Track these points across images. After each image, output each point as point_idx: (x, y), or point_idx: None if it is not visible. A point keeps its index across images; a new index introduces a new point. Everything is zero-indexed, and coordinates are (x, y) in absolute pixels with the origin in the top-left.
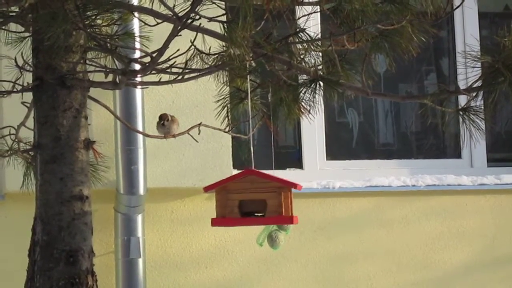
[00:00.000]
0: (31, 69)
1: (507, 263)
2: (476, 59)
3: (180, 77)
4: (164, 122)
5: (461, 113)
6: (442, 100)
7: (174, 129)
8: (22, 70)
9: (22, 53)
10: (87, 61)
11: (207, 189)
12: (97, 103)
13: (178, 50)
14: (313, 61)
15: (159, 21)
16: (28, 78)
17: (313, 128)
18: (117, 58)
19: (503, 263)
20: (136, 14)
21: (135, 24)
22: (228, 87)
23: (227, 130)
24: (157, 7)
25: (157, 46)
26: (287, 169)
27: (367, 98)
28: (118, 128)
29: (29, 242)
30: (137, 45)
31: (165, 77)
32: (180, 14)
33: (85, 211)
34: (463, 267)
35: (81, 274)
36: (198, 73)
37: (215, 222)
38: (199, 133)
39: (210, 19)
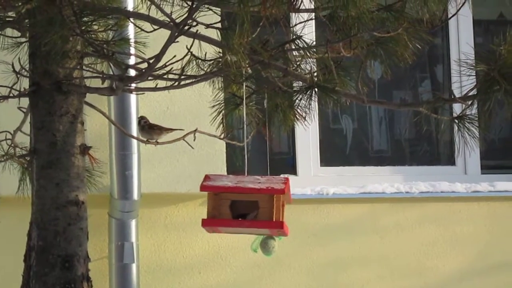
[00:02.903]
0: (28, 75)
1: (500, 270)
2: (471, 67)
3: (176, 83)
4: (141, 123)
5: (456, 121)
6: (437, 108)
7: (156, 137)
8: (18, 75)
9: (19, 59)
10: (84, 67)
11: (283, 191)
12: (93, 108)
13: (175, 56)
14: (309, 68)
15: (156, 27)
16: (25, 83)
17: (307, 135)
18: (114, 64)
19: (496, 270)
20: (132, 20)
21: (131, 30)
22: (223, 93)
23: (222, 137)
24: (154, 13)
25: (152, 52)
26: (281, 175)
27: (361, 105)
28: (113, 133)
29: (24, 246)
30: (133, 51)
31: (161, 83)
32: (177, 21)
33: (81, 216)
34: (456, 273)
35: (76, 280)
36: (194, 79)
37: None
38: (194, 140)
39: (207, 26)
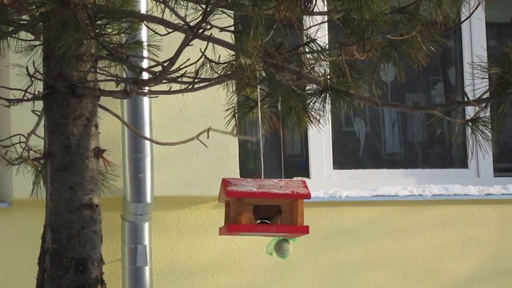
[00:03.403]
0: (42, 78)
1: None
2: (485, 70)
3: (190, 86)
4: None
5: (470, 123)
6: (450, 110)
7: None
8: (33, 79)
9: (33, 62)
10: (98, 70)
11: (309, 195)
12: (106, 111)
13: (189, 59)
14: (322, 71)
15: (170, 30)
16: (39, 86)
17: (320, 137)
18: (129, 67)
19: (509, 273)
20: (146, 23)
21: (144, 33)
22: (237, 96)
23: (235, 133)
24: (168, 16)
25: (166, 55)
26: (294, 177)
27: (374, 108)
28: (126, 136)
29: (37, 249)
30: (147, 54)
31: (175, 86)
32: (191, 24)
33: (95, 219)
34: (469, 276)
35: (90, 283)
36: (208, 82)
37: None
38: (208, 137)
39: (222, 29)
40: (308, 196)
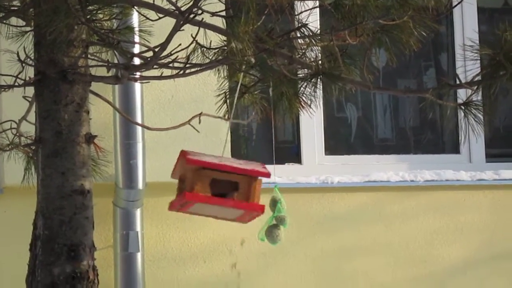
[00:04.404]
0: (33, 64)
1: (505, 258)
2: (476, 51)
3: (181, 72)
4: None
5: (462, 107)
6: (442, 94)
7: None
8: (24, 64)
9: (24, 48)
10: (89, 56)
11: (269, 174)
12: (98, 97)
13: (180, 44)
14: (314, 56)
15: (161, 15)
16: (30, 72)
17: (311, 123)
18: (120, 53)
19: (501, 258)
20: (137, 8)
21: (135, 19)
22: (228, 82)
23: (226, 118)
24: (159, 1)
25: (157, 40)
26: (286, 163)
27: (366, 93)
28: (117, 122)
29: (28, 236)
30: (139, 39)
31: (166, 72)
32: (182, 9)
33: (86, 205)
34: (461, 262)
35: (82, 269)
36: (200, 68)
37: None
38: (199, 122)
39: (213, 14)
40: (268, 175)
